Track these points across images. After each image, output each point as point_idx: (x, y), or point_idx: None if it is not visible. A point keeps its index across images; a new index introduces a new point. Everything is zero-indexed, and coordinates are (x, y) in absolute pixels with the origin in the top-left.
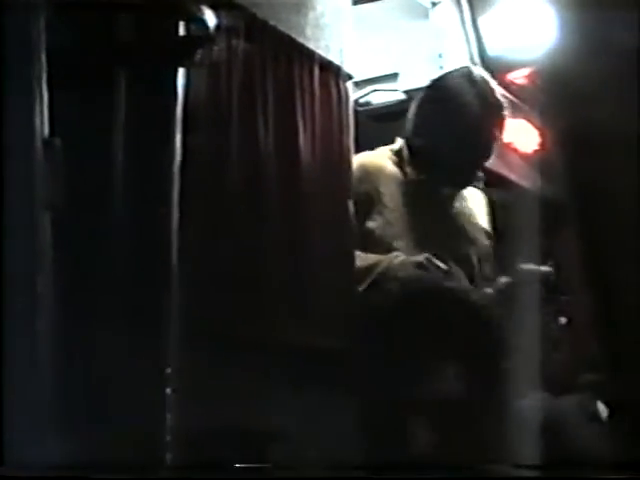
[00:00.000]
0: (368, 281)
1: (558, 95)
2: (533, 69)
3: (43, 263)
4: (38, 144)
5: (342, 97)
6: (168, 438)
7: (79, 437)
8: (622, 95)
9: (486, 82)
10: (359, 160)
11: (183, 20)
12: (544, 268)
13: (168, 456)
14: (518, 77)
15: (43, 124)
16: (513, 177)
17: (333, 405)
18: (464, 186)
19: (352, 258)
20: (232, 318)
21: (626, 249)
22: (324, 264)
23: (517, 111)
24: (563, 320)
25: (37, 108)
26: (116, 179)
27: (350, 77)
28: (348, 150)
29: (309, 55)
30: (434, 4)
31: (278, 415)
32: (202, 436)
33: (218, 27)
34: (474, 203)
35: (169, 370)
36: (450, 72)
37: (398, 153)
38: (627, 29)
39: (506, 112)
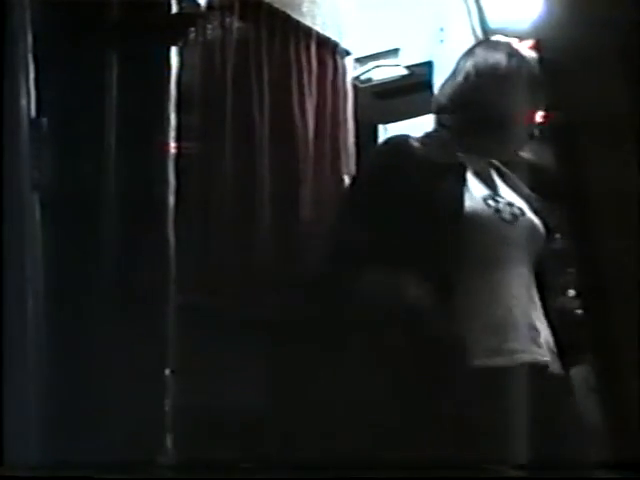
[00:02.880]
0: None
1: (560, 67)
2: (535, 41)
3: (32, 245)
4: (25, 124)
5: (340, 74)
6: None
7: (79, 437)
8: (625, 67)
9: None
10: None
11: None
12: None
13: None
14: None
15: (30, 104)
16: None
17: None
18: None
19: None
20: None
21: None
22: (321, 239)
23: None
24: (571, 293)
25: (24, 88)
26: (107, 160)
27: (348, 53)
28: (346, 127)
29: (305, 32)
30: None
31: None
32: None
33: (211, 4)
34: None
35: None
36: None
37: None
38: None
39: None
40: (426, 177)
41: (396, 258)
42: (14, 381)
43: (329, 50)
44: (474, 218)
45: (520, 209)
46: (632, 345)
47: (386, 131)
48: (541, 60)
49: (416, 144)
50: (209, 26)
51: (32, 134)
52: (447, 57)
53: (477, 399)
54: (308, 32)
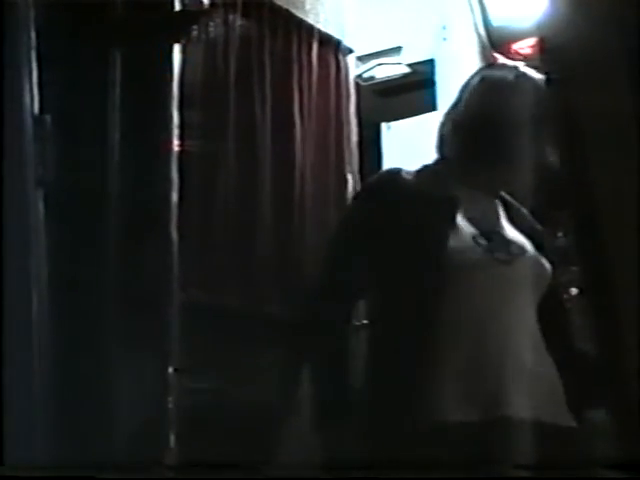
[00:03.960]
0: None
1: (563, 66)
2: (538, 39)
3: (36, 241)
4: (28, 121)
5: (342, 71)
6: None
7: (79, 437)
8: (629, 63)
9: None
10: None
11: None
12: None
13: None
14: (523, 47)
15: (34, 101)
16: None
17: None
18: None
19: None
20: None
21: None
22: (323, 237)
23: None
24: (574, 290)
25: (28, 86)
26: (110, 158)
27: (351, 51)
28: (349, 125)
29: (308, 30)
30: None
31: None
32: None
33: (213, 2)
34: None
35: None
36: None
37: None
38: None
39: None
40: (411, 216)
41: (375, 305)
42: (15, 381)
43: (332, 48)
44: (460, 259)
45: (521, 247)
46: (633, 345)
47: (389, 129)
48: (544, 59)
49: (408, 178)
50: (212, 24)
51: (36, 131)
52: (450, 55)
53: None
54: (311, 30)
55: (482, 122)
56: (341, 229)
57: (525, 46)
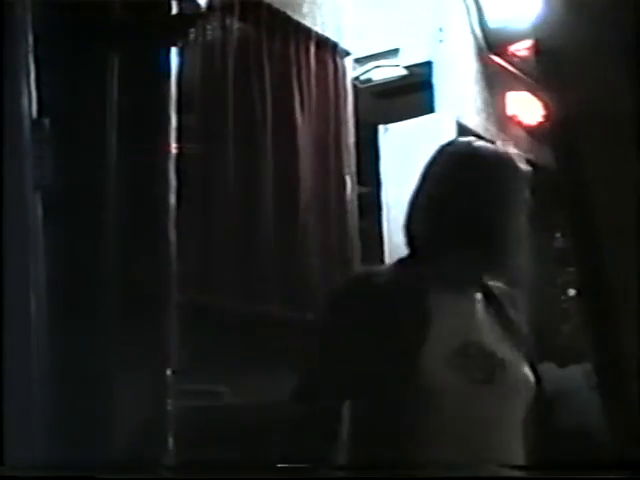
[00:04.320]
0: None
1: (559, 67)
2: (535, 41)
3: (34, 245)
4: (27, 124)
5: (340, 74)
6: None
7: (79, 437)
8: (626, 64)
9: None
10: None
11: None
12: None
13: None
14: (520, 49)
15: (32, 104)
16: (518, 149)
17: None
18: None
19: (348, 232)
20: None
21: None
22: (323, 238)
23: (520, 83)
24: (572, 292)
25: (26, 88)
26: (109, 160)
27: (348, 54)
28: (347, 127)
29: (306, 32)
30: None
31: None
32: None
33: (211, 5)
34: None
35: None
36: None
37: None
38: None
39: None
40: (378, 330)
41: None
42: (15, 381)
43: (329, 50)
44: (431, 384)
45: (501, 359)
46: (632, 345)
47: (386, 131)
48: (540, 61)
49: (377, 282)
50: (209, 27)
51: (34, 134)
52: (447, 57)
53: None
54: (308, 33)
55: (446, 205)
56: (320, 336)
57: (522, 48)
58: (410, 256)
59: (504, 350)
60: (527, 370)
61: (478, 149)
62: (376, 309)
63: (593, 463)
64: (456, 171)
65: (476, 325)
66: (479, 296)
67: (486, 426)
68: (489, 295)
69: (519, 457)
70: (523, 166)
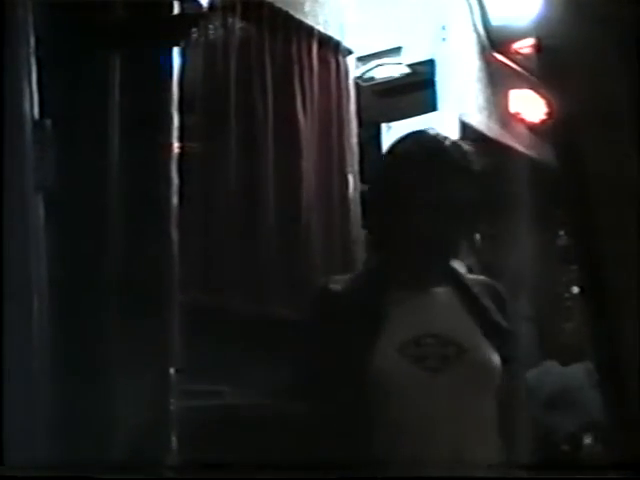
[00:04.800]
0: None
1: (561, 65)
2: (537, 39)
3: (36, 246)
4: (29, 125)
5: (342, 72)
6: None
7: (79, 437)
8: (627, 62)
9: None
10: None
11: None
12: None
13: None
14: (523, 47)
15: (33, 105)
16: (520, 147)
17: None
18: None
19: (351, 231)
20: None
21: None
22: (326, 237)
23: (523, 81)
24: (575, 290)
25: (27, 89)
26: (111, 161)
27: (350, 52)
28: (349, 126)
29: (308, 31)
30: None
31: None
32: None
33: (213, 5)
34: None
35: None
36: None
37: None
38: None
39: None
40: (338, 335)
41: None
42: (15, 381)
43: (331, 49)
44: (383, 378)
45: (458, 347)
46: (633, 344)
47: (389, 129)
48: (542, 59)
49: (341, 288)
50: (211, 26)
51: (35, 135)
52: (449, 55)
53: None
54: (310, 31)
55: (395, 200)
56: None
57: (524, 46)
58: (372, 257)
59: (468, 338)
60: (493, 356)
61: (427, 144)
62: (337, 314)
63: (593, 463)
64: (392, 169)
65: (436, 316)
66: (445, 289)
67: (444, 414)
68: (461, 286)
69: (490, 446)
70: (470, 158)
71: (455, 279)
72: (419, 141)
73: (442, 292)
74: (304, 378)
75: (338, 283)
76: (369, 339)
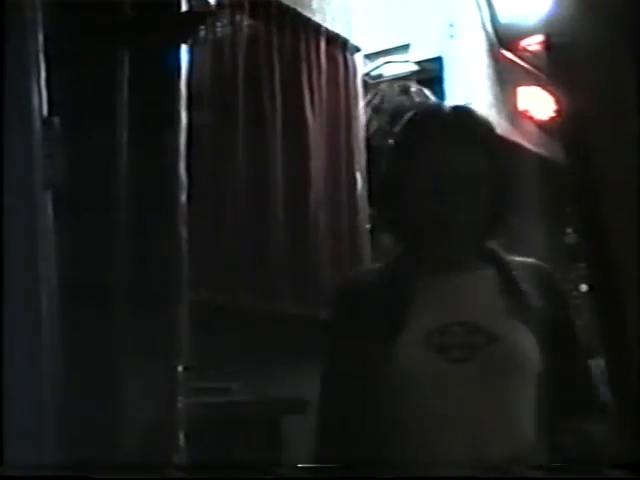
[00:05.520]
0: None
1: (570, 62)
2: (545, 36)
3: (45, 243)
4: (37, 123)
5: (350, 70)
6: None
7: (80, 436)
8: (635, 59)
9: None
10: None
11: None
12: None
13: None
14: (531, 44)
15: (42, 103)
16: (529, 145)
17: None
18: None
19: (359, 227)
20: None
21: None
22: (334, 235)
23: (531, 78)
24: (584, 287)
25: (36, 87)
26: (119, 158)
27: (358, 49)
28: (357, 123)
29: (316, 28)
30: None
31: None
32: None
33: (221, 2)
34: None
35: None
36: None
37: None
38: None
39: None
40: (365, 327)
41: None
42: (15, 381)
43: (339, 47)
44: (406, 368)
45: (489, 334)
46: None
47: None
48: (551, 55)
49: (368, 279)
50: (219, 24)
51: (44, 133)
52: (457, 52)
53: None
54: (318, 29)
55: (407, 183)
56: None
57: (533, 43)
58: (399, 248)
59: (500, 325)
60: (530, 345)
61: (432, 118)
62: (363, 306)
63: (593, 463)
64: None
65: (465, 303)
66: (482, 272)
67: (465, 410)
68: (500, 269)
69: (524, 441)
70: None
71: (494, 261)
72: (424, 116)
73: (477, 276)
74: (328, 371)
75: (365, 274)
76: (395, 329)
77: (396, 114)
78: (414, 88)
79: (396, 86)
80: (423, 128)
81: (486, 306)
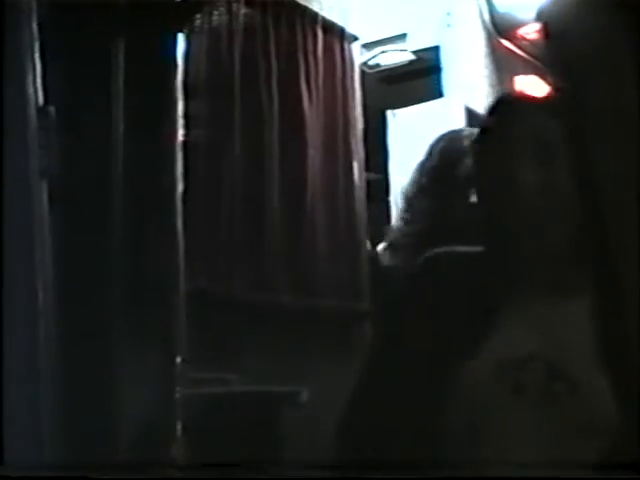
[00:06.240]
0: None
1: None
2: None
3: (40, 235)
4: (32, 112)
5: (347, 59)
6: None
7: (80, 435)
8: (635, 48)
9: None
10: None
11: None
12: None
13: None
14: (529, 33)
15: (37, 92)
16: None
17: None
18: None
19: (356, 218)
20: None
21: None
22: (331, 225)
23: (529, 67)
24: None
25: (31, 76)
26: (115, 149)
27: (355, 38)
28: (353, 112)
29: (312, 17)
30: None
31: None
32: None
33: None
34: None
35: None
36: None
37: None
38: None
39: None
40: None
41: None
42: (15, 381)
43: (336, 36)
44: (480, 399)
45: (571, 383)
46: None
47: (394, 116)
48: (549, 44)
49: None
50: (215, 13)
51: (39, 122)
52: (455, 42)
53: None
54: (315, 18)
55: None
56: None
57: (530, 31)
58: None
59: (581, 368)
60: (607, 397)
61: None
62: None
63: (593, 463)
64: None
65: (553, 334)
66: (581, 295)
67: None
68: (603, 293)
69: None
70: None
71: (598, 282)
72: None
73: (573, 300)
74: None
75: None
76: (469, 349)
77: None
78: None
79: None
80: None
81: (574, 342)
